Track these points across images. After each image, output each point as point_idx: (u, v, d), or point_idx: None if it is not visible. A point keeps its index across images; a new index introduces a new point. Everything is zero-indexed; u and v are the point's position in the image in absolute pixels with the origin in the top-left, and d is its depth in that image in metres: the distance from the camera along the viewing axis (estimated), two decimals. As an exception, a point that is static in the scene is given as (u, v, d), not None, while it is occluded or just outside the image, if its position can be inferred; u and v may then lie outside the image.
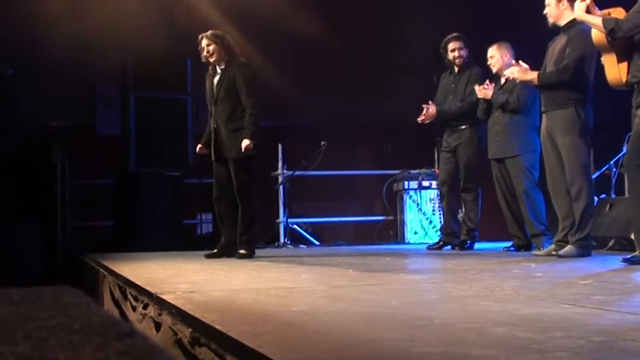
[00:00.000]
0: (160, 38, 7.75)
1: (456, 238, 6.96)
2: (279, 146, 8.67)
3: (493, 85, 6.40)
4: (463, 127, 6.84)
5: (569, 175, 5.26)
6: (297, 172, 8.52)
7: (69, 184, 7.59)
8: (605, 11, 4.75)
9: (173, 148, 8.17)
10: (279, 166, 8.64)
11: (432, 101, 6.98)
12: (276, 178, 8.68)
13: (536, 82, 5.42)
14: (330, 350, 1.85)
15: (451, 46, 6.91)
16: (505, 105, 6.26)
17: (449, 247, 6.97)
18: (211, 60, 5.86)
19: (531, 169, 6.19)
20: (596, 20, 4.65)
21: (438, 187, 7.44)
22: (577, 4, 4.84)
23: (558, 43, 5.40)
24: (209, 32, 5.87)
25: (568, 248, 5.23)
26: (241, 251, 5.76)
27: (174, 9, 8.54)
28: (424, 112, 6.89)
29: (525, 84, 5.84)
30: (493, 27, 7.66)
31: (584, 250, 5.23)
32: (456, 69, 6.94)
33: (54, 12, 8.01)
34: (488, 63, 6.51)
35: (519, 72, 5.48)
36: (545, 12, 5.40)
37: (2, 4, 8.14)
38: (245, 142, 5.69)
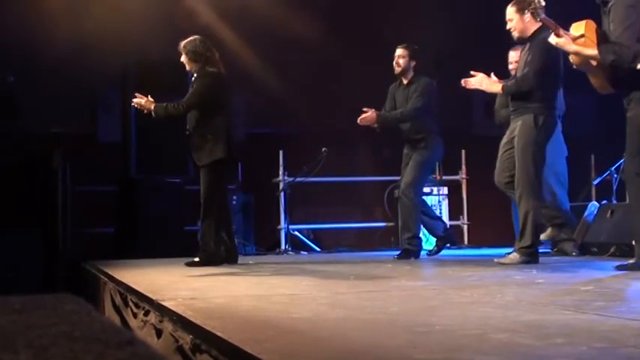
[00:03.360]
0: (161, 44, 7.74)
1: (449, 238, 6.97)
2: (280, 153, 8.67)
3: None
4: (418, 137, 6.74)
5: (517, 181, 5.29)
6: (298, 179, 8.52)
7: (70, 190, 7.59)
8: (577, 35, 4.62)
9: (174, 154, 8.16)
10: (280, 172, 8.64)
11: (377, 110, 6.82)
12: (277, 184, 8.68)
13: (501, 92, 5.47)
14: (332, 357, 1.85)
15: (396, 52, 6.77)
16: None
17: (447, 246, 6.99)
18: (187, 69, 5.92)
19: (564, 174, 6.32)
20: (591, 53, 4.46)
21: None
22: (564, 40, 4.59)
23: (524, 51, 5.43)
24: (183, 41, 5.85)
25: (512, 256, 5.26)
26: (195, 259, 5.71)
27: (175, 15, 8.55)
28: (364, 116, 6.68)
29: None
30: (491, 35, 7.64)
31: (528, 258, 5.17)
32: (404, 81, 6.76)
33: (55, 18, 8.02)
34: (511, 68, 6.37)
35: (487, 84, 5.49)
36: (508, 27, 5.39)
37: (2, 11, 8.15)
38: (149, 103, 5.73)
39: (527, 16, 5.22)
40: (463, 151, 9.07)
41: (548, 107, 5.32)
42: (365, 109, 6.71)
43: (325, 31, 8.93)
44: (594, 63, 4.51)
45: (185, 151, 8.05)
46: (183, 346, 2.45)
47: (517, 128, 5.36)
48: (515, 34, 5.39)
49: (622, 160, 7.02)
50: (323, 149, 8.23)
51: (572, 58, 4.63)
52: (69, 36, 7.86)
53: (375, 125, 6.80)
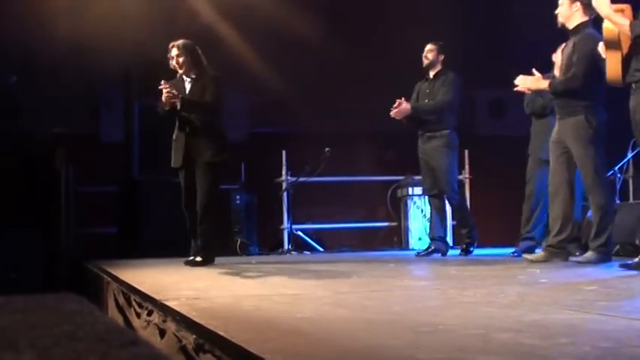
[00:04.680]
0: (163, 45, 7.75)
1: (444, 243, 6.96)
2: (283, 153, 8.67)
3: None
4: (439, 133, 6.81)
5: (585, 184, 5.27)
6: (301, 179, 8.52)
7: (72, 191, 7.59)
8: (618, 7, 4.65)
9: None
10: (283, 172, 8.64)
11: (408, 100, 6.94)
12: (280, 184, 8.68)
13: (548, 90, 5.42)
14: (335, 357, 1.84)
15: (426, 47, 6.95)
16: None
17: (438, 254, 6.92)
18: (180, 71, 5.86)
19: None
20: (621, 21, 4.52)
21: (425, 194, 7.40)
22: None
23: (567, 48, 5.38)
24: (180, 42, 5.84)
25: (588, 254, 5.20)
26: (197, 259, 5.74)
27: (177, 15, 8.55)
28: (396, 105, 6.83)
29: None
30: (493, 35, 7.66)
31: (605, 256, 5.19)
32: (431, 74, 6.93)
33: (57, 19, 8.02)
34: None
35: (531, 81, 5.47)
36: (556, 12, 5.38)
37: (4, 11, 8.16)
38: (177, 96, 5.62)
39: (577, 6, 5.25)
40: (466, 151, 9.06)
41: (597, 105, 5.29)
42: (399, 101, 6.79)
43: (328, 31, 8.93)
44: (622, 36, 4.52)
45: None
46: (186, 346, 2.45)
47: (568, 131, 5.30)
48: (559, 20, 5.36)
49: (625, 160, 7.02)
50: (326, 149, 8.24)
51: (605, 29, 4.62)
52: (70, 36, 7.87)
53: (408, 117, 6.91)
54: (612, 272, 4.44)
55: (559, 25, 5.39)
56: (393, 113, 6.86)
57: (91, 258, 6.59)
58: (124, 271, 4.81)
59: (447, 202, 7.04)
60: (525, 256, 5.62)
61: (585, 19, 5.28)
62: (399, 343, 2.00)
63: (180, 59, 5.82)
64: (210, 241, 5.77)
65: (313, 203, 9.47)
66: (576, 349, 1.84)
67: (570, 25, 5.33)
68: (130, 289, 3.88)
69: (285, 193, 8.58)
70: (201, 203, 5.75)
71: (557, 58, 6.15)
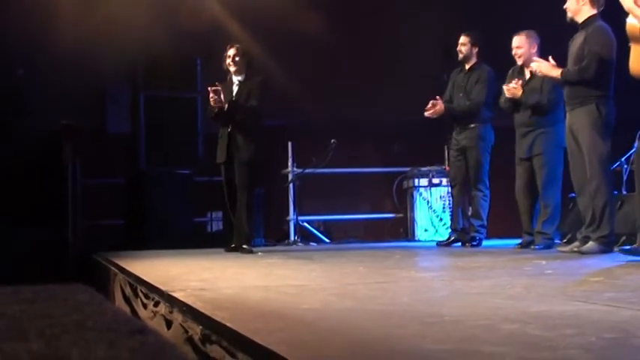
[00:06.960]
0: (169, 37, 7.75)
1: (466, 234, 7.01)
2: (289, 144, 8.68)
3: (520, 82, 6.26)
4: (472, 125, 6.88)
5: (588, 171, 5.26)
6: (307, 170, 8.52)
7: (80, 183, 7.61)
8: None
9: (183, 146, 8.19)
10: (290, 164, 8.65)
11: (440, 97, 7.02)
12: (287, 176, 8.68)
13: (559, 78, 5.41)
14: (341, 347, 1.85)
15: (460, 39, 7.00)
16: (536, 106, 6.22)
17: (459, 243, 7.01)
18: (232, 69, 6.25)
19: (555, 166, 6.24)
20: None
21: (449, 185, 7.50)
22: None
23: (577, 40, 5.38)
24: (238, 45, 6.32)
25: (590, 245, 5.24)
26: (245, 246, 6.19)
27: (183, 8, 8.55)
28: (430, 105, 6.93)
29: (552, 82, 5.83)
30: (502, 25, 7.63)
31: (606, 247, 5.22)
32: (466, 66, 6.99)
33: (63, 12, 8.02)
34: (514, 53, 6.34)
35: (545, 67, 5.47)
36: (565, 6, 5.39)
37: (12, 5, 8.16)
38: (222, 102, 6.11)
39: (584, 0, 5.27)
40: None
41: (608, 96, 5.30)
42: (433, 102, 6.92)
43: (332, 22, 8.91)
44: (635, 24, 4.52)
45: (193, 143, 8.21)
46: (193, 336, 2.46)
47: (580, 119, 5.30)
48: (568, 15, 5.39)
49: (632, 151, 7.00)
50: (332, 140, 8.24)
51: (628, 24, 4.60)
52: (78, 29, 7.87)
53: (441, 115, 7.04)
54: (617, 263, 4.44)
55: (568, 20, 5.41)
56: (427, 114, 6.94)
57: (99, 250, 6.62)
58: (130, 263, 4.83)
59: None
60: (560, 248, 5.66)
61: (594, 12, 5.30)
62: (405, 333, 2.01)
63: (237, 58, 6.23)
64: (246, 232, 6.26)
65: (319, 195, 9.47)
66: (582, 339, 1.85)
67: (580, 19, 5.36)
68: (136, 281, 3.89)
69: (291, 185, 8.59)
70: (240, 200, 6.18)
71: (515, 43, 6.22)
